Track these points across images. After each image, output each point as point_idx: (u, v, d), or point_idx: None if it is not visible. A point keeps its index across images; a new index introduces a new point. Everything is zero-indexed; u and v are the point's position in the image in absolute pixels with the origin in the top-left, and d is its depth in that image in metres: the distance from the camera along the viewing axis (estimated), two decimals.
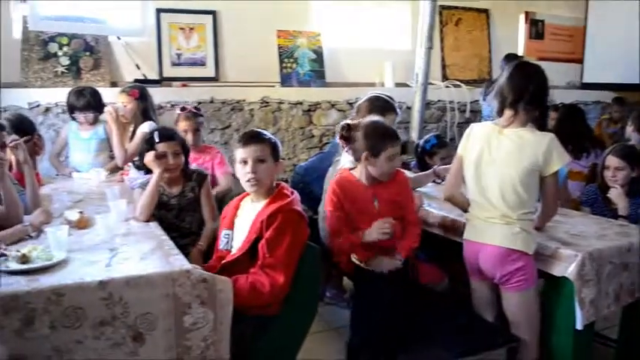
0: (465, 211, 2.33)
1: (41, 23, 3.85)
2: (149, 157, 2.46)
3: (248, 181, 2.09)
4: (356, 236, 2.33)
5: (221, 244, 2.19)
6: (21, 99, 3.78)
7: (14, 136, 2.59)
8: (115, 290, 1.65)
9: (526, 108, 2.15)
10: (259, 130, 2.25)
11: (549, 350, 2.22)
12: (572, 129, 3.75)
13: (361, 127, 2.36)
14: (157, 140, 2.50)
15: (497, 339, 2.26)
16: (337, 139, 2.49)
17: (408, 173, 3.15)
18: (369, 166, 2.34)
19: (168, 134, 2.57)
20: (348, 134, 2.37)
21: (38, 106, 3.82)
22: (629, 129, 4.25)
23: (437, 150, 3.48)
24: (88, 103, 3.42)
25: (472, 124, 2.36)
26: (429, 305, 2.48)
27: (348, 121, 2.43)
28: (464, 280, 2.42)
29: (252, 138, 2.14)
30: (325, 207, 2.44)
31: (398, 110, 2.95)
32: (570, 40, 6.47)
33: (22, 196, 2.41)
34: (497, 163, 2.17)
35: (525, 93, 2.14)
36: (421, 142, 3.70)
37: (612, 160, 2.89)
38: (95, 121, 3.49)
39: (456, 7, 5.69)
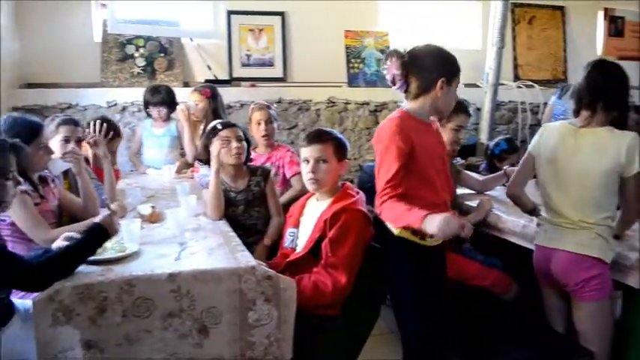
0: (527, 211, 2.29)
1: (119, 26, 4.02)
2: (215, 149, 2.48)
3: (309, 180, 2.11)
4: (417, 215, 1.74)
5: (286, 242, 2.22)
6: (100, 98, 3.98)
7: (92, 133, 2.72)
8: (183, 283, 1.70)
9: (604, 108, 2.05)
10: (326, 129, 2.27)
11: None
12: None
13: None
14: (219, 128, 2.56)
15: (569, 352, 2.16)
16: None
17: (476, 176, 3.08)
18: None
19: (228, 122, 2.66)
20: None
21: (116, 104, 4.00)
22: None
23: (506, 155, 3.39)
24: (162, 100, 3.56)
25: (545, 124, 2.29)
26: (498, 315, 2.41)
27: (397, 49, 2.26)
28: (533, 288, 2.33)
29: (314, 138, 2.17)
30: (380, 165, 1.91)
31: (471, 112, 2.88)
32: None
33: (100, 191, 2.53)
34: (574, 164, 2.08)
35: (604, 92, 2.05)
36: (491, 144, 3.60)
37: None
38: (167, 118, 3.62)
39: (530, 5, 5.48)
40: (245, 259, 1.83)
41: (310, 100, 4.40)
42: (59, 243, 1.80)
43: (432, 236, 1.85)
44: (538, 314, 2.32)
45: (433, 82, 1.90)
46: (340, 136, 2.26)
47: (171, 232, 2.14)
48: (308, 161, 2.13)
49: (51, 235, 1.94)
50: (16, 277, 1.60)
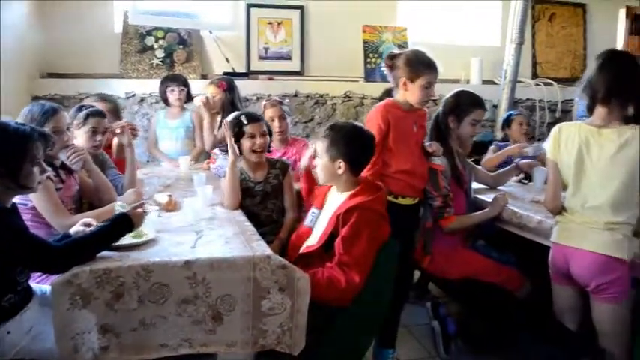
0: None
1: (140, 18, 4.07)
2: (230, 143, 2.49)
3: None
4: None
5: (307, 220, 2.24)
6: (119, 89, 4.03)
7: (119, 122, 2.75)
8: (199, 270, 1.72)
9: (621, 103, 2.02)
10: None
11: None
12: None
13: (403, 54, 2.47)
14: (245, 122, 2.57)
15: (583, 349, 2.15)
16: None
17: (488, 173, 3.07)
18: (406, 92, 2.46)
19: (254, 116, 2.65)
20: (392, 62, 2.48)
21: (134, 95, 4.05)
22: None
23: (514, 117, 3.67)
24: (184, 82, 3.63)
25: (559, 125, 2.21)
26: (512, 310, 2.41)
27: (395, 51, 2.55)
28: (546, 285, 2.32)
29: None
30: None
31: (485, 106, 2.88)
32: None
33: (118, 181, 2.57)
34: (600, 167, 2.04)
35: (619, 86, 2.01)
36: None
37: None
38: (183, 108, 3.66)
39: (551, 2, 5.44)
40: (261, 248, 1.85)
41: (327, 94, 4.41)
42: (77, 228, 1.83)
43: (404, 197, 2.46)
44: (550, 311, 2.32)
45: (400, 80, 2.44)
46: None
47: (188, 221, 2.16)
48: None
49: (70, 222, 1.97)
50: (37, 258, 1.64)
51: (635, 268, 2.02)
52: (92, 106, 2.59)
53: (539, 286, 2.41)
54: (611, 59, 2.08)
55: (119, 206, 2.00)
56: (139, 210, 1.84)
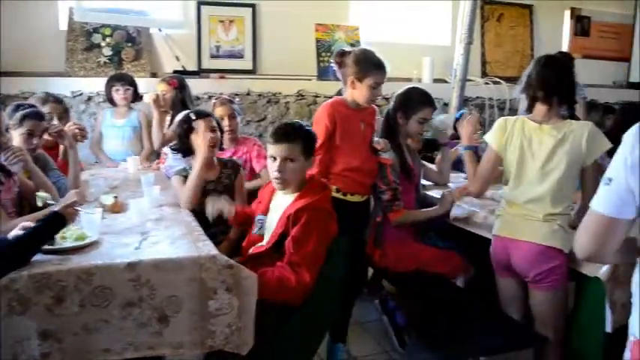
0: None
1: (86, 14, 3.96)
2: (204, 137, 2.48)
3: (275, 179, 2.10)
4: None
5: (255, 228, 2.23)
6: (65, 88, 3.90)
7: (56, 123, 2.67)
8: (143, 272, 1.69)
9: (559, 101, 2.15)
10: (293, 124, 2.17)
11: (576, 352, 2.16)
12: None
13: (352, 53, 2.49)
14: (193, 118, 2.53)
15: (525, 338, 2.22)
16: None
17: (434, 170, 3.13)
18: (354, 91, 2.48)
19: (204, 112, 2.63)
20: (341, 60, 2.51)
21: (81, 94, 3.94)
22: None
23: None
24: (130, 81, 3.58)
25: (504, 118, 2.29)
26: (455, 300, 2.46)
27: (344, 48, 2.57)
28: (489, 275, 2.38)
29: (283, 136, 2.09)
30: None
31: (435, 105, 2.91)
32: (617, 37, 6.25)
33: (62, 183, 2.49)
34: (541, 159, 2.13)
35: (558, 86, 2.13)
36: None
37: None
38: (130, 107, 3.60)
39: (499, 2, 5.57)
40: (207, 248, 1.83)
41: (280, 93, 4.39)
42: (16, 232, 1.77)
43: (353, 194, 2.52)
44: (494, 301, 2.38)
45: (348, 79, 2.47)
46: (310, 130, 2.20)
47: (133, 222, 2.13)
48: (275, 159, 2.08)
49: (8, 226, 1.90)
50: None
51: (573, 260, 2.09)
52: (31, 106, 2.51)
53: (484, 272, 2.47)
54: (550, 62, 2.19)
55: (40, 198, 1.95)
56: (68, 206, 1.79)
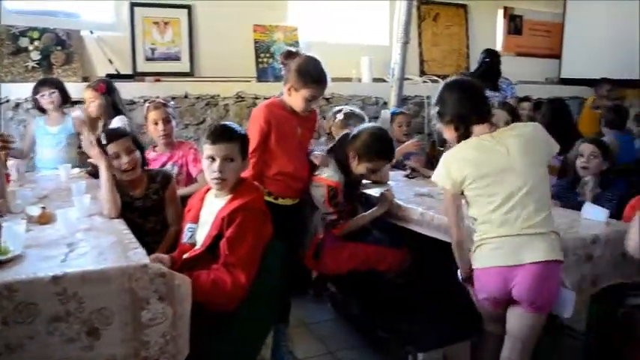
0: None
1: (12, 17, 3.79)
2: (93, 152, 2.35)
3: (214, 179, 2.05)
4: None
5: (184, 237, 2.16)
6: None
7: None
8: (69, 285, 1.61)
9: (488, 112, 2.11)
10: (230, 125, 2.17)
11: None
12: (559, 124, 3.76)
13: (297, 59, 2.45)
14: (104, 142, 2.38)
15: (462, 332, 2.27)
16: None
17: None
18: (290, 97, 2.47)
19: (116, 133, 2.47)
20: (286, 61, 2.48)
21: (8, 101, 3.77)
22: (601, 125, 4.30)
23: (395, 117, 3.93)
24: (54, 84, 3.42)
25: (445, 155, 2.11)
26: (390, 296, 2.50)
27: (291, 49, 2.57)
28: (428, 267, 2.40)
29: (221, 136, 2.06)
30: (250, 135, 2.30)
31: (391, 157, 2.75)
32: (548, 35, 6.51)
33: None
34: (516, 168, 1.96)
35: (482, 106, 2.09)
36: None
37: (587, 147, 2.90)
38: (61, 110, 3.47)
39: (435, 2, 5.69)
40: (137, 257, 1.77)
41: (218, 95, 4.33)
42: None
43: (284, 197, 2.52)
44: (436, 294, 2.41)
45: (287, 84, 2.45)
46: (245, 132, 2.20)
47: (61, 234, 2.03)
48: (213, 159, 2.03)
49: None
50: None
51: None
52: None
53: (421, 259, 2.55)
54: (465, 89, 2.12)
55: None
56: None
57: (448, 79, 2.19)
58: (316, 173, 2.63)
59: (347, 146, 2.61)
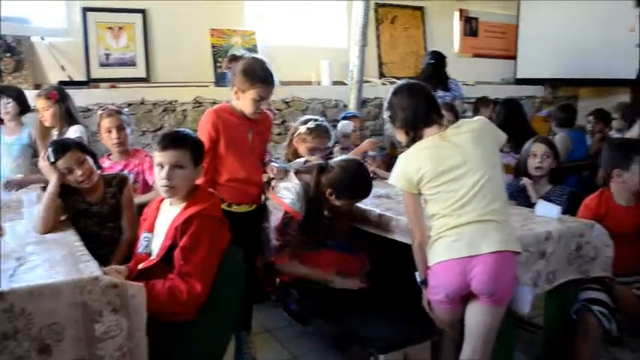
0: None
1: None
2: (43, 166, 2.29)
3: (163, 187, 2.01)
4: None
5: (140, 247, 2.11)
6: None
7: None
8: (16, 301, 1.56)
9: (437, 114, 2.12)
10: (181, 131, 2.13)
11: None
12: (513, 123, 3.84)
13: (242, 61, 2.42)
14: (52, 160, 2.29)
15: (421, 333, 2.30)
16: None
17: None
18: (238, 101, 2.44)
19: (62, 146, 2.35)
20: (231, 65, 2.46)
21: None
22: (553, 124, 4.42)
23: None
24: (10, 91, 3.33)
25: (400, 157, 2.11)
26: (358, 298, 2.50)
27: (236, 53, 2.52)
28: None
29: (171, 142, 2.02)
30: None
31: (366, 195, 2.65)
32: (504, 37, 6.64)
33: None
34: (471, 161, 1.98)
35: (431, 109, 2.11)
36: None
37: (540, 147, 2.94)
38: (18, 120, 3.38)
39: (392, 5, 5.74)
40: (88, 269, 1.73)
41: (176, 101, 4.26)
42: None
43: (239, 204, 2.50)
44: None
45: (234, 88, 2.42)
46: (198, 138, 2.17)
47: (11, 247, 1.97)
48: (162, 166, 2.00)
49: None
50: None
51: None
52: None
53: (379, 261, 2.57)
54: (411, 92, 2.12)
55: None
56: None
57: (396, 84, 2.20)
58: (276, 191, 2.54)
59: (321, 186, 2.49)
